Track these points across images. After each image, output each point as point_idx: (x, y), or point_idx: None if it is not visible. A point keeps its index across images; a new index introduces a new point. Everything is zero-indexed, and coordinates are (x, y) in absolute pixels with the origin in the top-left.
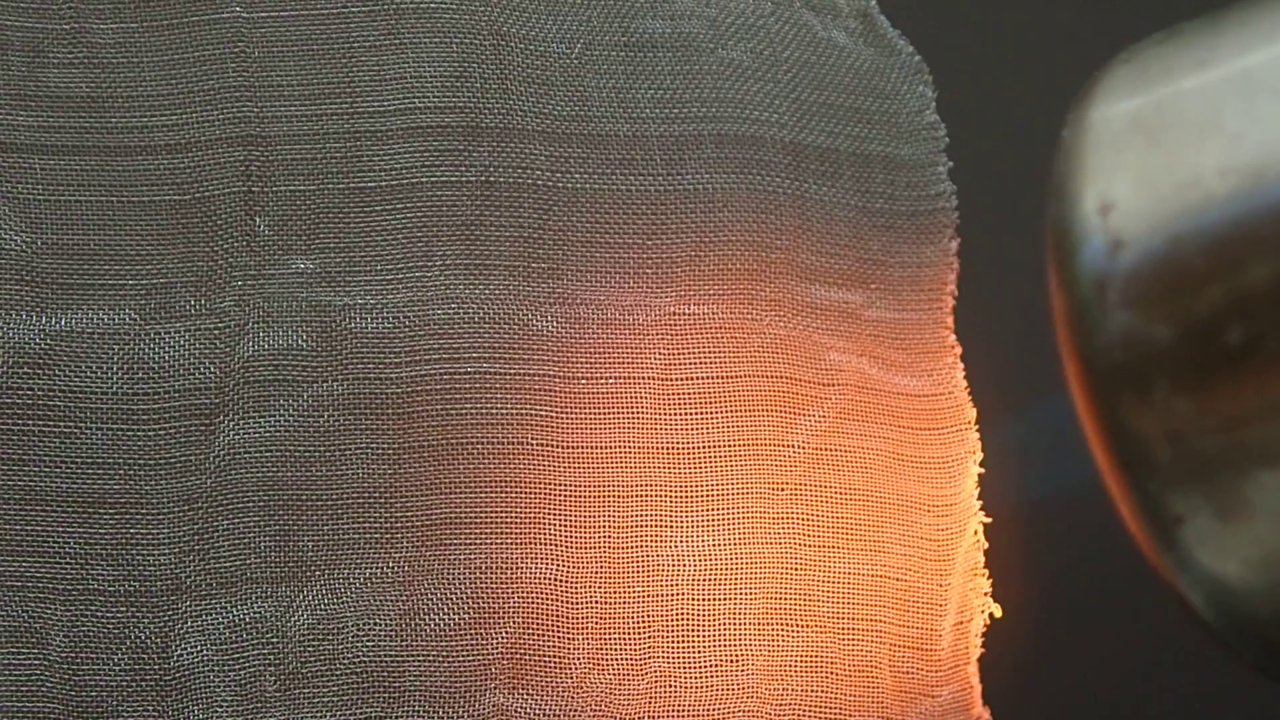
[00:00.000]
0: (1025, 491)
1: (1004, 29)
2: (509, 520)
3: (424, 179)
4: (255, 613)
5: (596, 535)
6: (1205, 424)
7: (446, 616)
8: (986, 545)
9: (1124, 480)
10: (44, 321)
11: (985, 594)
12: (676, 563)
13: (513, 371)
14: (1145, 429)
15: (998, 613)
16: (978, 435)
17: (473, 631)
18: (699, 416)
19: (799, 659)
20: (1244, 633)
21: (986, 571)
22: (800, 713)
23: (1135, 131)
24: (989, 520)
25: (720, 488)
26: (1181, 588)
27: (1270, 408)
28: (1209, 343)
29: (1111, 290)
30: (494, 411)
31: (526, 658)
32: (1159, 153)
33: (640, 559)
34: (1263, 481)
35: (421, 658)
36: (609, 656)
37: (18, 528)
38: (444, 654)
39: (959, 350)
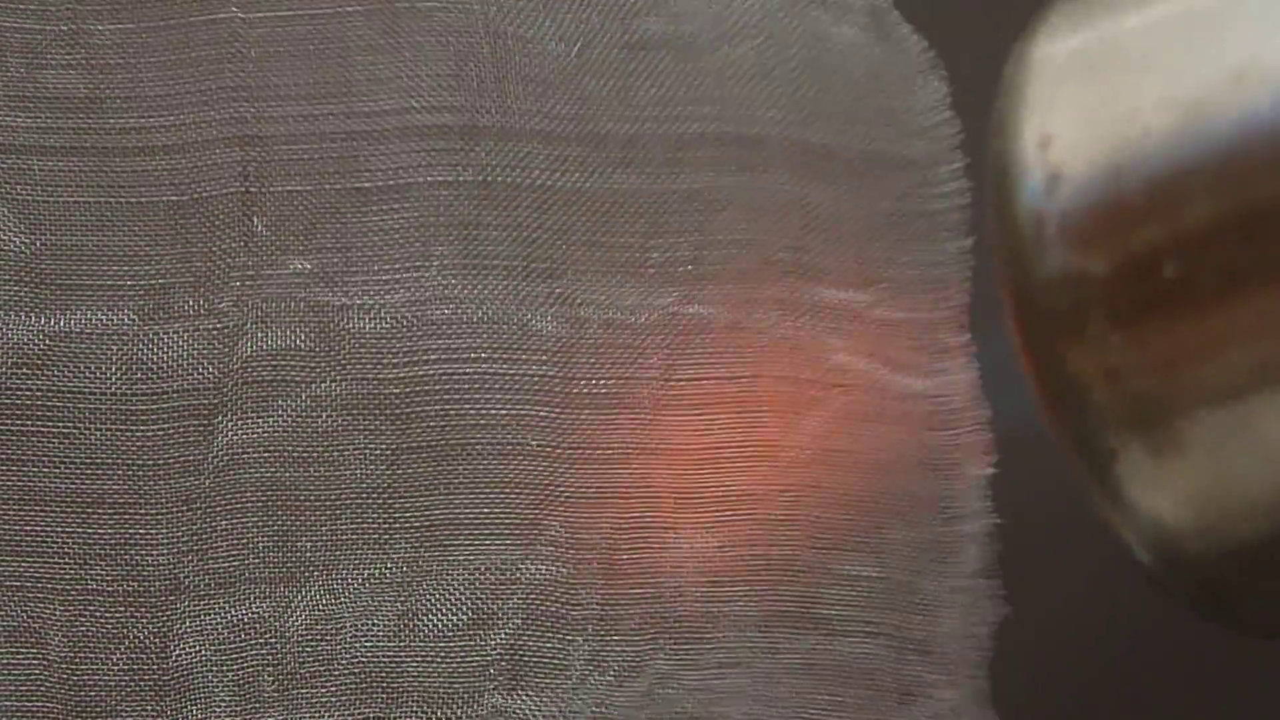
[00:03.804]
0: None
1: (1019, 23)
2: (508, 521)
3: (421, 179)
4: (254, 613)
5: (597, 537)
6: (1140, 361)
7: (445, 617)
8: (997, 547)
9: (1059, 416)
10: (42, 322)
11: (994, 596)
12: (678, 565)
13: (512, 372)
14: (1080, 365)
15: (1007, 615)
16: (989, 436)
17: (472, 632)
18: (701, 418)
19: (802, 661)
20: (1177, 570)
21: (996, 573)
22: (803, 715)
23: (1076, 67)
24: (999, 522)
25: (723, 490)
26: (1116, 524)
27: (1204, 345)
28: (1145, 279)
29: (1049, 225)
30: (493, 412)
31: (526, 659)
32: (1099, 87)
33: (641, 561)
34: (1196, 418)
35: (420, 658)
36: (609, 658)
37: (17, 528)
38: (443, 655)
39: (971, 350)
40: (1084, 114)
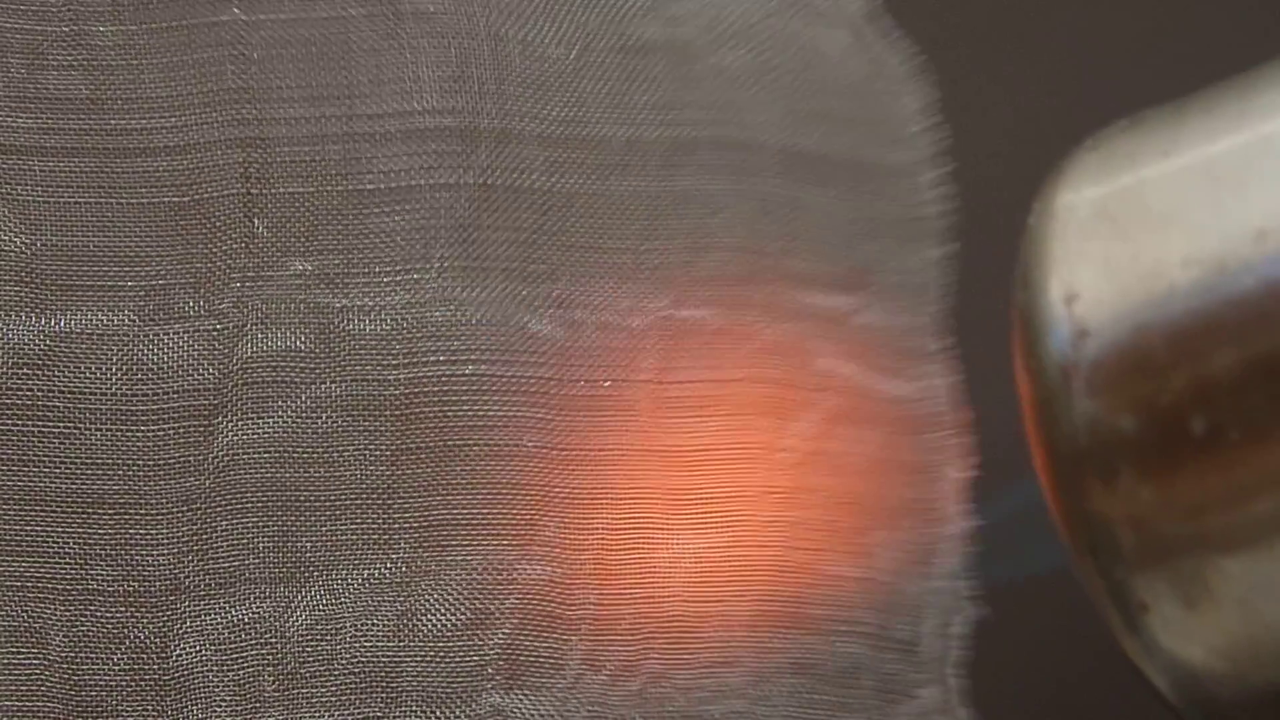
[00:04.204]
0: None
1: (1005, 31)
2: (506, 522)
3: (422, 181)
4: (254, 613)
5: (592, 537)
6: (1169, 511)
7: (444, 617)
8: (972, 549)
9: (1090, 566)
10: (43, 323)
11: (967, 597)
12: (670, 565)
13: (510, 374)
14: (1110, 515)
15: (982, 615)
16: (965, 440)
17: (470, 632)
18: (693, 420)
19: (788, 660)
20: (1208, 717)
21: (971, 575)
22: (787, 714)
23: (1100, 220)
24: (977, 523)
25: (713, 491)
26: (1147, 671)
27: (1232, 496)
28: (1173, 432)
29: (1076, 379)
30: (491, 414)
31: (522, 658)
32: (1123, 242)
33: (635, 561)
34: (1225, 569)
35: (419, 658)
36: (603, 657)
37: (17, 528)
38: (441, 654)
39: (944, 356)
40: (1108, 270)
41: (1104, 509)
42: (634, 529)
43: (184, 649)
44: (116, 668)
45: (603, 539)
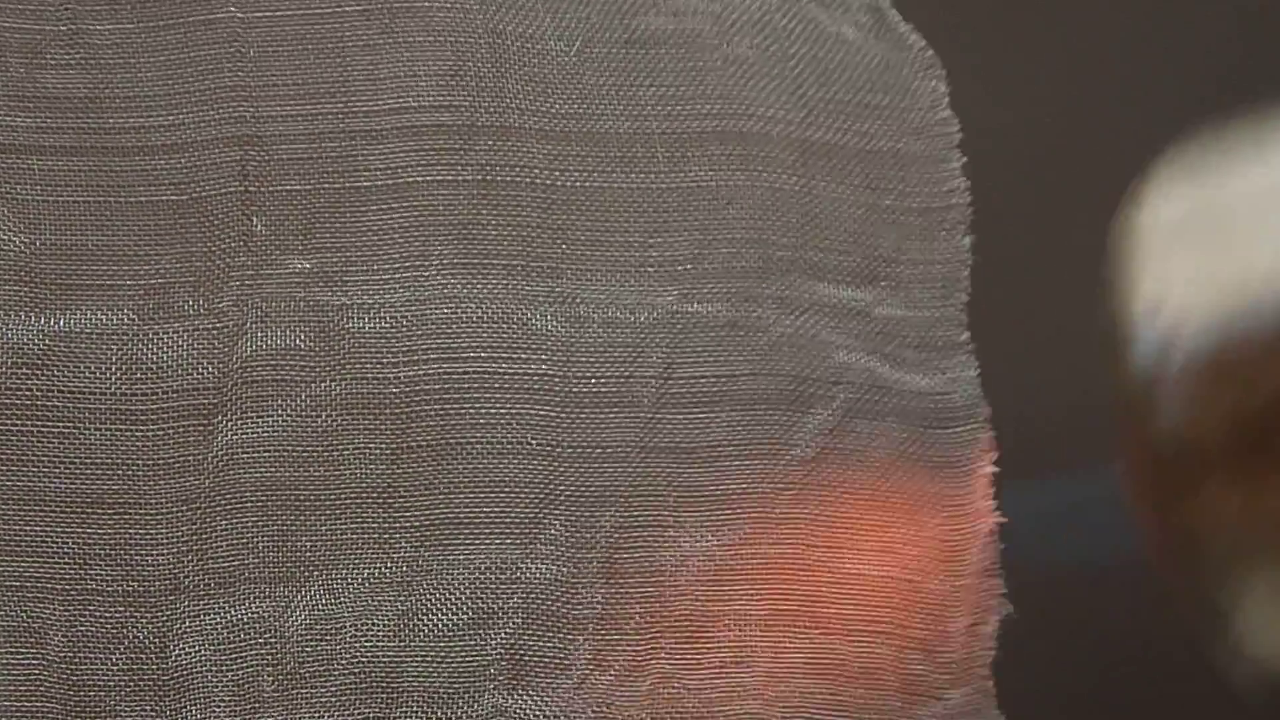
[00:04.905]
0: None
1: (1018, 22)
2: (508, 521)
3: (420, 178)
4: (253, 613)
5: (599, 535)
6: (1255, 518)
7: (445, 617)
8: (1002, 546)
9: (1177, 572)
10: (42, 322)
11: (999, 595)
12: (680, 563)
13: (512, 371)
14: (1198, 523)
15: (1013, 614)
16: (993, 435)
17: (472, 632)
18: (703, 416)
19: (804, 660)
20: None
21: (1001, 573)
22: (804, 715)
23: (1184, 234)
24: (1005, 521)
25: (724, 488)
26: (1233, 673)
27: None
28: (1256, 439)
29: (1164, 390)
30: (493, 411)
31: (526, 658)
32: (1208, 255)
33: (642, 560)
34: None
35: (420, 658)
36: (611, 657)
37: (17, 528)
38: (443, 654)
39: (971, 347)
40: (1193, 283)
41: (1191, 517)
42: (642, 527)
43: (183, 649)
44: (115, 667)
45: (610, 537)
